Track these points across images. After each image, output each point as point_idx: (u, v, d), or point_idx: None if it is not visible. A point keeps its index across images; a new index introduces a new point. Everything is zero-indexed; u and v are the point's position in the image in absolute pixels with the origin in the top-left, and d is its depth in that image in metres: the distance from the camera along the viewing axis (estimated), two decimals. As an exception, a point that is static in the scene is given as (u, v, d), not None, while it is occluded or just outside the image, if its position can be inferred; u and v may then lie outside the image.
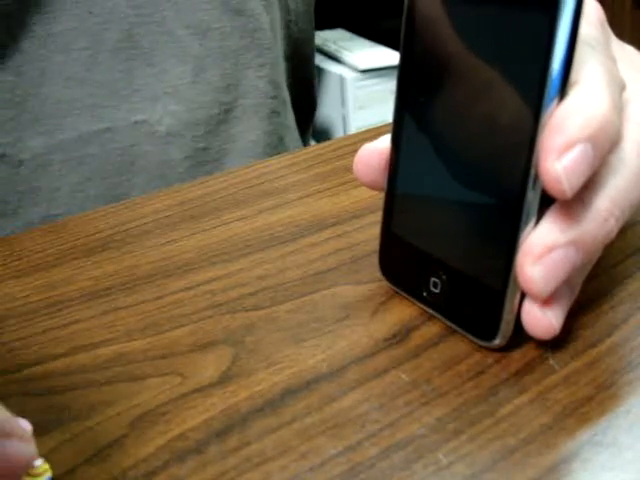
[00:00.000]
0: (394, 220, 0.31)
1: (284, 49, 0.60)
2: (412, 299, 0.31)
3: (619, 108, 0.27)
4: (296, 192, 0.42)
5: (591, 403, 0.25)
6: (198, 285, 0.33)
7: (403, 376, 0.27)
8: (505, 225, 0.27)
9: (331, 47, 1.49)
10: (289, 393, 0.27)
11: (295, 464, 0.24)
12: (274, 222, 0.38)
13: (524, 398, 0.26)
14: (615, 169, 0.27)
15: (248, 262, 0.35)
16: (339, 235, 0.37)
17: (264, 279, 0.34)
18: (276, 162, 0.46)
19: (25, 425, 0.22)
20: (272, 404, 0.26)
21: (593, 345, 0.28)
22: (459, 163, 0.29)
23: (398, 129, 0.31)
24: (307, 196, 0.41)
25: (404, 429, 0.25)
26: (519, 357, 0.28)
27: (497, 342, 0.27)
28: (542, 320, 0.26)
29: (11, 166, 0.51)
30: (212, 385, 0.27)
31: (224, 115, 0.55)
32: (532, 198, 0.26)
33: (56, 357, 0.29)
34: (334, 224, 0.38)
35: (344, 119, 1.42)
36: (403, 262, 0.31)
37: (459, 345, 0.28)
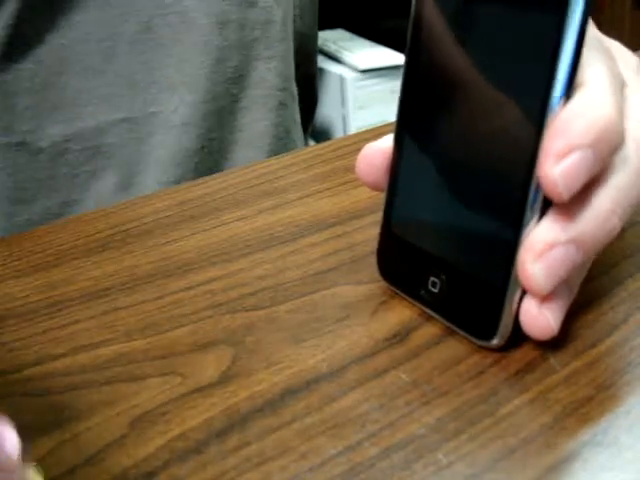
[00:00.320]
0: (394, 219, 0.31)
1: (293, 43, 0.61)
2: (410, 299, 0.31)
3: (622, 110, 0.27)
4: (296, 192, 0.42)
5: (591, 403, 0.25)
6: (198, 285, 0.33)
7: (403, 376, 0.27)
8: (507, 223, 0.27)
9: (331, 47, 1.49)
10: (289, 393, 0.27)
11: (295, 464, 0.24)
12: (274, 222, 0.38)
13: (524, 398, 0.26)
14: (617, 168, 0.27)
15: (248, 262, 0.35)
16: (339, 235, 0.37)
17: (264, 279, 0.34)
18: (276, 162, 0.46)
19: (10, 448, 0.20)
20: (272, 404, 0.26)
21: (593, 345, 0.28)
22: (462, 162, 0.29)
23: (402, 128, 0.31)
24: (307, 196, 0.41)
25: (404, 429, 0.25)
26: (519, 357, 0.28)
27: (495, 342, 0.27)
28: (540, 320, 0.26)
29: (30, 153, 0.52)
30: (212, 385, 0.27)
31: (233, 106, 0.56)
32: (535, 197, 0.26)
33: (56, 357, 0.29)
34: (334, 224, 0.38)
35: (344, 119, 1.42)
36: (402, 262, 0.31)
37: (459, 345, 0.28)
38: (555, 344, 0.28)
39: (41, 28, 0.50)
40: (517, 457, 0.23)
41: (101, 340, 0.30)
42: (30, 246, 0.38)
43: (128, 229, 0.39)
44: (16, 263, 0.36)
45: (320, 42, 1.50)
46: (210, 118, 0.55)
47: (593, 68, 0.27)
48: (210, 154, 0.56)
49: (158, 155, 0.54)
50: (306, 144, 0.68)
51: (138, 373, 0.28)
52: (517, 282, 0.27)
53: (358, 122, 1.40)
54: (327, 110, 1.45)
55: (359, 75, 1.39)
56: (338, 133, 1.44)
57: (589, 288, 0.30)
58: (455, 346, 0.28)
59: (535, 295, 0.26)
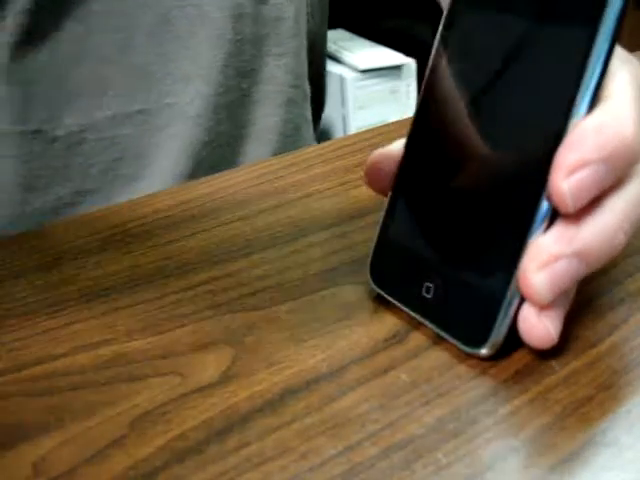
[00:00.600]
0: (393, 224, 0.31)
1: (305, 41, 0.61)
2: (401, 305, 0.30)
3: None
4: (296, 192, 0.42)
5: (591, 403, 0.25)
6: (198, 285, 0.33)
7: (403, 376, 0.27)
8: (513, 231, 0.27)
9: (331, 47, 1.49)
10: (289, 393, 0.27)
11: (295, 464, 0.24)
12: (274, 222, 0.38)
13: (524, 398, 0.26)
14: (630, 182, 0.27)
15: (248, 262, 0.35)
16: (339, 235, 0.37)
17: (264, 279, 0.34)
18: (276, 162, 0.46)
19: None
20: (272, 404, 0.26)
21: (593, 345, 0.28)
22: (473, 170, 0.29)
23: (414, 134, 0.31)
24: (307, 196, 0.41)
25: (404, 429, 0.25)
26: (519, 357, 0.28)
27: (484, 351, 0.27)
28: (540, 329, 0.26)
29: (45, 142, 0.52)
30: (212, 385, 0.27)
31: (244, 100, 0.56)
32: (545, 207, 0.26)
33: (56, 357, 0.29)
34: (334, 224, 0.38)
35: (344, 119, 1.42)
36: (397, 266, 0.31)
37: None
38: (555, 344, 0.28)
39: (58, 16, 0.50)
40: (517, 457, 0.23)
41: (101, 340, 0.30)
42: (30, 246, 0.38)
43: (128, 229, 0.39)
44: (16, 263, 0.36)
45: (320, 42, 1.50)
46: (221, 111, 0.56)
47: (617, 80, 0.27)
48: (220, 147, 0.56)
49: (171, 147, 0.54)
50: (318, 142, 0.68)
51: (138, 373, 0.28)
52: (516, 291, 0.26)
53: (358, 122, 1.40)
54: (327, 110, 1.44)
55: (359, 75, 1.39)
56: (338, 133, 1.44)
57: (589, 288, 0.30)
58: (455, 346, 0.28)
59: (534, 305, 0.26)
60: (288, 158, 0.47)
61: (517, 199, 0.27)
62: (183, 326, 0.31)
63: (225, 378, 0.28)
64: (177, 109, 0.54)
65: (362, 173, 0.33)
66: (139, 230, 0.39)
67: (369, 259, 0.32)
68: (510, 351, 0.28)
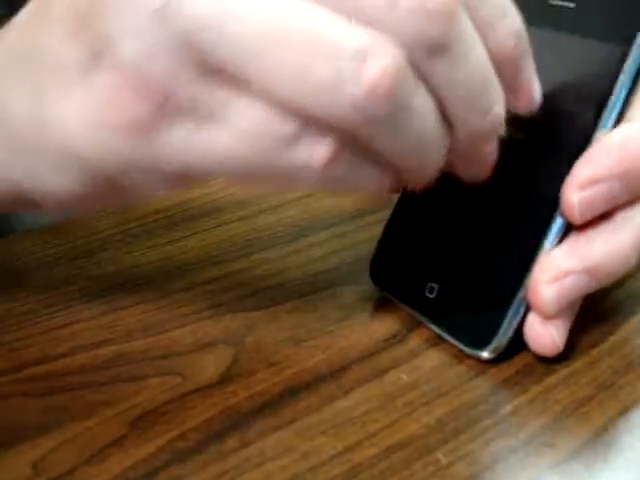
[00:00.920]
0: (400, 222, 0.31)
1: None
2: (401, 304, 0.30)
3: None
4: (296, 192, 0.42)
5: (591, 403, 0.25)
6: (198, 285, 0.33)
7: (403, 376, 0.27)
8: (526, 238, 0.27)
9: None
10: (289, 393, 0.27)
11: (295, 464, 0.24)
12: (274, 222, 0.38)
13: (524, 398, 0.26)
14: None
15: (248, 262, 0.35)
16: (339, 235, 0.37)
17: (264, 279, 0.34)
18: (276, 162, 0.46)
19: None
20: (272, 404, 0.26)
21: (593, 345, 0.28)
22: (492, 178, 0.28)
23: None
24: (307, 196, 0.41)
25: (404, 429, 0.25)
26: (519, 357, 0.28)
27: (486, 354, 0.27)
28: (546, 337, 0.26)
29: None
30: (212, 385, 0.27)
31: None
32: (561, 218, 0.26)
33: (56, 357, 0.29)
34: (334, 224, 0.38)
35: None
36: (400, 265, 0.31)
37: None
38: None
39: None
40: (517, 457, 0.23)
41: (101, 340, 0.30)
42: (30, 246, 0.38)
43: (128, 229, 0.39)
44: (16, 263, 0.36)
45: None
46: None
47: None
48: None
49: None
50: None
51: (138, 373, 0.28)
52: (523, 299, 0.27)
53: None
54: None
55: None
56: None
57: (589, 288, 0.30)
58: (455, 346, 0.28)
59: (539, 315, 0.26)
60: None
61: (532, 206, 0.27)
62: (183, 326, 0.31)
63: (225, 378, 0.28)
64: None
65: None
66: (139, 230, 0.39)
67: (371, 256, 0.32)
68: (511, 355, 0.28)
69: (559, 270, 0.26)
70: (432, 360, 0.28)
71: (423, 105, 0.23)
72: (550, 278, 0.26)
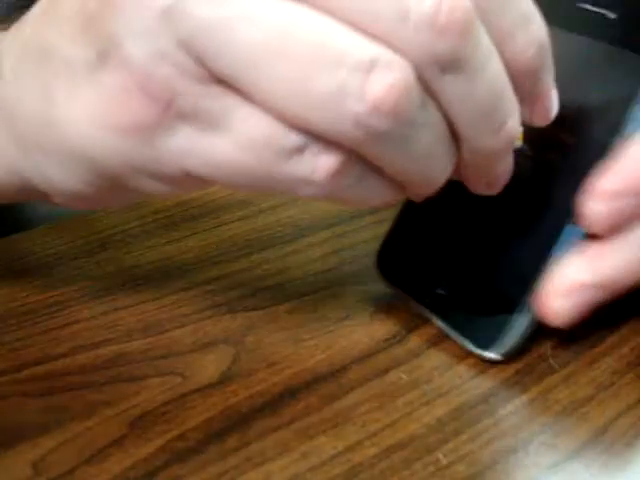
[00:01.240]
0: (412, 216, 0.31)
1: None
2: (410, 299, 0.30)
3: None
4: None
5: (591, 403, 0.25)
6: (198, 285, 0.33)
7: (403, 376, 0.27)
8: (538, 241, 0.27)
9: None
10: (289, 393, 0.27)
11: (295, 464, 0.24)
12: (274, 222, 0.38)
13: (524, 398, 0.26)
14: None
15: (248, 262, 0.35)
16: (339, 235, 0.37)
17: (264, 279, 0.34)
18: (276, 162, 0.46)
19: None
20: (272, 404, 0.26)
21: (593, 345, 0.28)
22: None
23: None
24: (307, 196, 0.41)
25: (404, 429, 0.25)
26: (519, 357, 0.28)
27: (493, 355, 0.27)
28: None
29: None
30: (212, 385, 0.27)
31: None
32: (573, 225, 0.26)
33: (56, 357, 0.29)
34: (334, 224, 0.38)
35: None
36: (411, 261, 0.31)
37: (459, 345, 0.28)
38: (555, 344, 0.28)
39: None
40: (517, 457, 0.23)
41: (101, 340, 0.30)
42: (30, 246, 0.38)
43: (128, 229, 0.39)
44: (16, 263, 0.36)
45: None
46: None
47: None
48: None
49: None
50: None
51: (138, 373, 0.28)
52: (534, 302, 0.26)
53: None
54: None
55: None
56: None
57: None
58: (455, 346, 0.28)
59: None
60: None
61: (546, 211, 0.27)
62: (183, 326, 0.31)
63: (225, 378, 0.28)
64: None
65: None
66: (139, 230, 0.39)
67: (378, 249, 0.32)
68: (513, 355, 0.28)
69: (571, 283, 0.26)
70: (432, 360, 0.28)
71: (430, 122, 0.22)
72: (562, 291, 0.26)
